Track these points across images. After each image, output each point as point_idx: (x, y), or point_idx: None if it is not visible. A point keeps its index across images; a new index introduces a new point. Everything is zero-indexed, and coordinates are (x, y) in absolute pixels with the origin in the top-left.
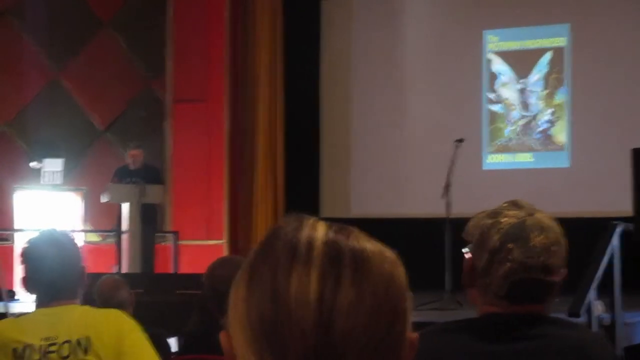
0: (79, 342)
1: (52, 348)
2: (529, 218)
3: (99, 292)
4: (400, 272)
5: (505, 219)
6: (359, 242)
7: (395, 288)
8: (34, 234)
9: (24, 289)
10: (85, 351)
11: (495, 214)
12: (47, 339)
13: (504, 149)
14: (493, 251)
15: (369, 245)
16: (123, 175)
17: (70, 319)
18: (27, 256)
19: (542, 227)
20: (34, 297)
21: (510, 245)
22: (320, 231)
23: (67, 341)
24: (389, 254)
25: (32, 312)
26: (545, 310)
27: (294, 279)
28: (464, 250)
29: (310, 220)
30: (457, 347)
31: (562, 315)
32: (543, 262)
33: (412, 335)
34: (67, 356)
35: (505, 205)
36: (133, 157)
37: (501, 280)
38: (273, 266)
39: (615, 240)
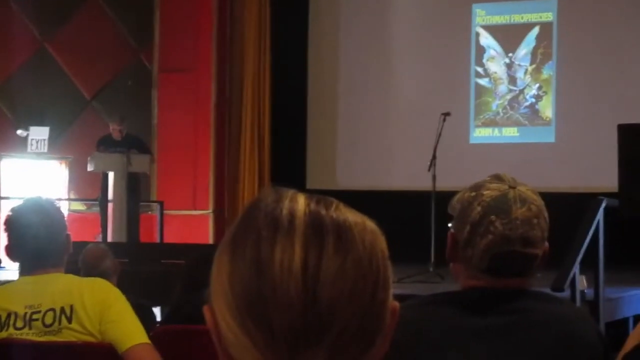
0: (62, 311)
1: (36, 316)
2: (511, 191)
3: (84, 261)
4: (381, 241)
5: (487, 191)
6: (340, 213)
7: (378, 257)
8: (19, 202)
9: (7, 257)
10: (69, 320)
11: (477, 187)
12: (30, 306)
13: (491, 123)
14: (474, 224)
15: (350, 215)
16: (107, 144)
17: (54, 287)
18: (11, 224)
19: (524, 200)
20: (17, 265)
21: (492, 218)
22: (300, 203)
23: (50, 309)
24: (370, 224)
25: (16, 280)
26: (528, 284)
27: (277, 250)
28: (449, 225)
29: (290, 192)
30: (439, 321)
31: (546, 290)
32: (524, 235)
33: (394, 303)
34: (51, 324)
35: (487, 178)
36: (114, 130)
37: (483, 253)
38: (256, 238)
39: (599, 216)
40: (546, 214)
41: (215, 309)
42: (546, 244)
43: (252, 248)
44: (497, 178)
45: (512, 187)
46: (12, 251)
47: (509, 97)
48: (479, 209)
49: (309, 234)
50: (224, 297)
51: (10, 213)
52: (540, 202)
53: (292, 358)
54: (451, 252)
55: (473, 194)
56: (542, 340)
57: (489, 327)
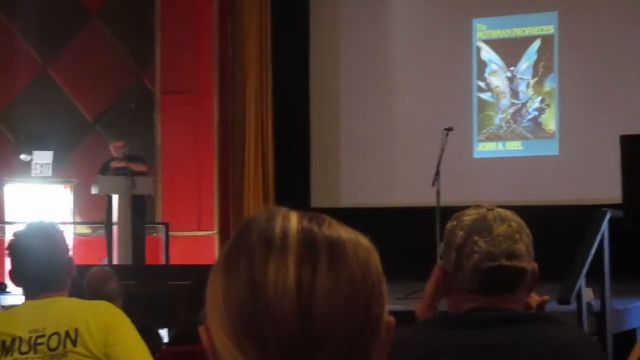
0: (67, 334)
1: (41, 340)
2: (489, 212)
3: (88, 284)
4: (374, 257)
5: (467, 217)
6: (332, 230)
7: (372, 273)
8: (23, 227)
9: (11, 281)
10: (74, 343)
11: (457, 216)
12: (35, 330)
13: (494, 137)
14: (459, 247)
15: (343, 232)
16: (109, 168)
17: (58, 310)
18: (14, 249)
19: (504, 218)
20: (21, 289)
21: (475, 238)
22: (293, 220)
23: (55, 333)
24: (363, 240)
25: (20, 304)
26: (520, 300)
27: (271, 268)
28: (439, 261)
29: (282, 210)
30: (444, 346)
31: (553, 303)
32: (508, 249)
33: (389, 318)
34: (56, 348)
35: (466, 210)
36: (116, 148)
37: (471, 273)
38: (249, 257)
39: (604, 227)
40: (528, 231)
41: (211, 329)
42: (534, 263)
43: (246, 267)
44: (476, 206)
45: (490, 210)
46: (15, 276)
47: (511, 110)
48: (461, 233)
49: (302, 251)
50: (219, 316)
51: (12, 238)
52: (519, 220)
53: None
54: (443, 285)
55: (454, 222)
56: None
57: (494, 351)
